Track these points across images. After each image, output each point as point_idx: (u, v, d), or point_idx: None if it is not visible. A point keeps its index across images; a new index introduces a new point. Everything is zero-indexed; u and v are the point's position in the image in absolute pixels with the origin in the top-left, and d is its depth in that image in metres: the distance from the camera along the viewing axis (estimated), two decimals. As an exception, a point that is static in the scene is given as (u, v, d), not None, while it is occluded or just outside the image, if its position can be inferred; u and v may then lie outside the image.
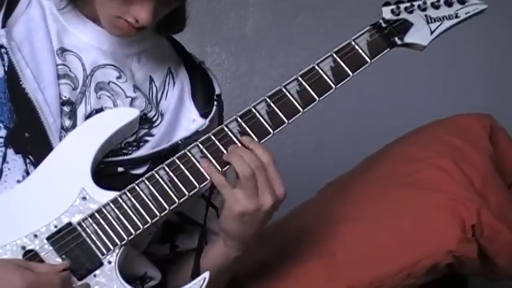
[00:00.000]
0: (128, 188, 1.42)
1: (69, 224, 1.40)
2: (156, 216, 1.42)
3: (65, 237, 1.39)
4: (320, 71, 1.48)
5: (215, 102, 1.55)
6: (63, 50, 1.48)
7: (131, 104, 1.50)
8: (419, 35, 1.52)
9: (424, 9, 1.53)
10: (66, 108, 1.46)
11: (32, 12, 1.48)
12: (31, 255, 1.38)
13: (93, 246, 1.39)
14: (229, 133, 1.46)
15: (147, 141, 1.50)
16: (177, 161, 1.44)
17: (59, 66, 1.46)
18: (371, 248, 1.69)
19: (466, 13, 1.52)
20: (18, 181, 1.42)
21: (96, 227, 1.40)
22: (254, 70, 2.61)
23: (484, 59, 2.65)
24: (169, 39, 1.60)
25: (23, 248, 1.38)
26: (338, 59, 1.49)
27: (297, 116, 1.47)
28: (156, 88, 1.54)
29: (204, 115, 1.54)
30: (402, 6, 1.52)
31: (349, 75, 1.49)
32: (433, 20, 1.52)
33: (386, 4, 1.53)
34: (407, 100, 2.60)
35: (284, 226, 1.83)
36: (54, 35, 1.47)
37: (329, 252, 1.69)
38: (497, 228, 1.67)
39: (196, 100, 1.55)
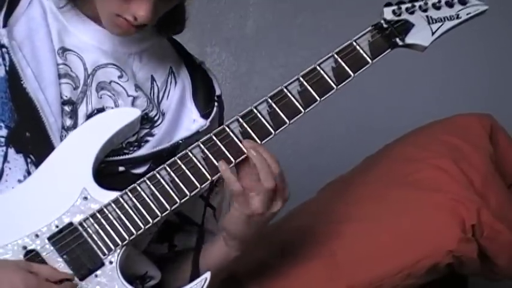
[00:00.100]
0: (129, 188, 1.42)
1: (71, 224, 1.40)
2: (158, 216, 1.42)
3: (66, 237, 1.39)
4: (321, 71, 1.48)
5: (216, 103, 1.56)
6: (64, 50, 1.48)
7: (133, 103, 1.50)
8: (420, 35, 1.52)
9: (425, 10, 1.53)
10: (67, 108, 1.46)
11: (33, 12, 1.48)
12: (32, 255, 1.38)
13: (94, 246, 1.39)
14: (231, 133, 1.46)
15: (148, 141, 1.50)
16: (179, 161, 1.44)
17: (60, 66, 1.46)
18: (371, 248, 1.69)
19: (467, 14, 1.52)
20: (19, 181, 1.42)
21: (97, 227, 1.40)
22: (254, 70, 2.61)
23: (483, 59, 2.65)
24: (170, 40, 1.60)
25: (24, 247, 1.38)
26: (339, 60, 1.49)
27: (298, 116, 1.47)
28: (157, 87, 1.55)
29: (204, 116, 1.54)
30: (403, 7, 1.52)
31: (350, 75, 1.49)
32: (434, 21, 1.52)
33: (388, 5, 1.53)
34: (407, 100, 2.60)
35: (284, 226, 1.83)
36: (55, 34, 1.47)
37: (329, 252, 1.69)
38: (497, 228, 1.68)
39: (197, 100, 1.55)
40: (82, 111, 1.47)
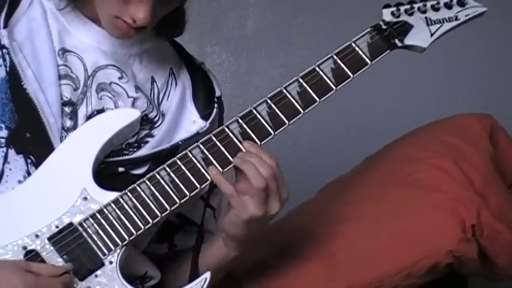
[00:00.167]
0: (129, 188, 1.42)
1: (71, 224, 1.40)
2: (157, 216, 1.42)
3: (66, 238, 1.39)
4: (321, 72, 1.49)
5: (215, 105, 1.56)
6: (64, 51, 1.48)
7: (133, 105, 1.50)
8: (419, 37, 1.52)
9: (424, 12, 1.53)
10: (67, 109, 1.46)
11: (34, 12, 1.48)
12: (32, 255, 1.38)
13: (94, 246, 1.40)
14: (230, 134, 1.46)
15: (147, 141, 1.50)
16: (178, 162, 1.44)
17: (60, 67, 1.47)
18: (371, 248, 1.69)
19: (465, 15, 1.53)
20: (20, 181, 1.42)
21: (97, 227, 1.40)
22: (254, 70, 2.61)
23: (483, 59, 2.65)
24: (170, 41, 1.60)
25: (24, 248, 1.38)
26: (338, 61, 1.49)
27: (297, 117, 1.47)
28: (157, 89, 1.55)
29: (204, 117, 1.54)
30: (402, 8, 1.53)
31: (349, 76, 1.49)
32: (433, 22, 1.53)
33: (387, 6, 1.53)
34: (407, 101, 2.60)
35: (284, 226, 1.83)
36: (56, 35, 1.48)
37: (329, 253, 1.69)
38: (497, 228, 1.68)
39: (197, 102, 1.56)
40: (82, 112, 1.47)
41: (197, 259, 1.53)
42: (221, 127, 1.46)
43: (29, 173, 1.43)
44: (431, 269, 1.65)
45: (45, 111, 1.43)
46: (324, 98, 1.48)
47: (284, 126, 1.47)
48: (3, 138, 1.42)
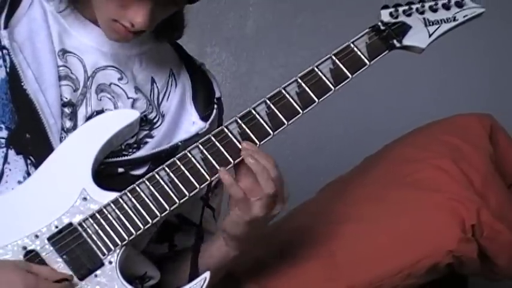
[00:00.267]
0: (128, 188, 1.42)
1: (70, 224, 1.40)
2: (157, 216, 1.42)
3: (65, 238, 1.39)
4: (319, 72, 1.49)
5: (215, 106, 1.56)
6: (64, 52, 1.48)
7: (132, 106, 1.50)
8: (417, 37, 1.52)
9: (422, 12, 1.53)
10: (67, 110, 1.46)
11: (34, 13, 1.48)
12: (32, 255, 1.38)
13: (94, 246, 1.40)
14: (229, 134, 1.46)
15: (147, 142, 1.50)
16: (178, 162, 1.44)
17: (60, 68, 1.47)
18: (371, 248, 1.69)
19: (464, 16, 1.53)
20: (19, 182, 1.43)
21: (97, 227, 1.40)
22: (254, 70, 2.61)
23: (483, 59, 2.64)
24: (170, 42, 1.60)
25: (24, 248, 1.38)
26: (337, 61, 1.49)
27: (296, 117, 1.48)
28: (157, 89, 1.55)
29: (204, 118, 1.54)
30: (400, 9, 1.53)
31: (348, 77, 1.49)
32: (431, 23, 1.53)
33: (385, 7, 1.53)
34: (406, 101, 2.60)
35: (283, 226, 1.83)
36: (56, 36, 1.48)
37: (329, 253, 1.69)
38: (497, 228, 1.68)
39: (196, 103, 1.56)
40: (82, 113, 1.47)
41: (197, 259, 1.54)
42: (220, 127, 1.46)
43: (28, 174, 1.43)
44: (431, 269, 1.65)
45: (45, 112, 1.43)
46: (322, 98, 1.49)
47: (283, 127, 1.47)
48: (3, 138, 1.43)
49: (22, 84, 1.43)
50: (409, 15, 1.53)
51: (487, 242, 1.67)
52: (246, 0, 2.60)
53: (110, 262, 1.40)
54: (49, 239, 1.39)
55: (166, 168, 1.44)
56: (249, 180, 1.44)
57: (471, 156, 1.80)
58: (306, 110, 1.48)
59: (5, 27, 1.44)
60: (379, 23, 1.53)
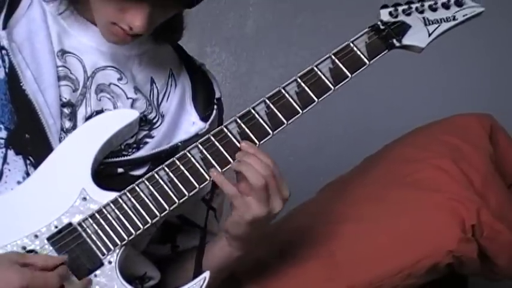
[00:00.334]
0: (128, 188, 1.42)
1: (70, 224, 1.40)
2: (156, 216, 1.42)
3: (65, 238, 1.39)
4: (319, 72, 1.49)
5: (215, 106, 1.56)
6: (63, 52, 1.48)
7: (132, 106, 1.50)
8: (417, 37, 1.52)
9: (421, 12, 1.53)
10: (66, 110, 1.46)
11: (33, 13, 1.48)
12: (32, 255, 1.38)
13: (93, 246, 1.40)
14: (229, 134, 1.46)
15: (146, 142, 1.50)
16: (177, 162, 1.44)
17: (59, 68, 1.47)
18: (371, 248, 1.69)
19: (463, 15, 1.53)
20: (19, 182, 1.42)
21: (96, 227, 1.40)
22: (254, 70, 2.61)
23: (484, 59, 2.64)
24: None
25: (24, 248, 1.38)
26: (337, 61, 1.49)
27: (296, 117, 1.48)
28: (157, 90, 1.55)
29: (204, 118, 1.54)
30: (400, 8, 1.53)
31: (347, 76, 1.49)
32: (430, 22, 1.53)
33: (384, 6, 1.53)
34: (406, 101, 2.60)
35: (283, 226, 1.83)
36: (55, 36, 1.48)
37: (329, 253, 1.69)
38: (497, 228, 1.67)
39: (196, 103, 1.56)
40: (81, 113, 1.47)
41: (201, 259, 1.53)
42: (220, 127, 1.47)
43: (28, 174, 1.43)
44: (431, 269, 1.65)
45: (44, 112, 1.43)
46: (322, 98, 1.49)
47: (282, 126, 1.47)
48: (2, 139, 1.42)
49: (21, 84, 1.43)
50: (408, 14, 1.53)
51: (487, 242, 1.67)
52: (246, 0, 2.60)
53: (110, 262, 1.40)
54: (48, 239, 1.39)
55: (166, 168, 1.44)
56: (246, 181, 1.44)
57: (471, 156, 1.79)
58: (305, 110, 1.48)
59: (4, 27, 1.44)
60: (379, 23, 1.53)
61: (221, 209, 1.65)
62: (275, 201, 1.44)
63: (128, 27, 1.40)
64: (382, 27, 1.52)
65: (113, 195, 1.42)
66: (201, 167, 1.44)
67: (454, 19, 1.53)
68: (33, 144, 1.43)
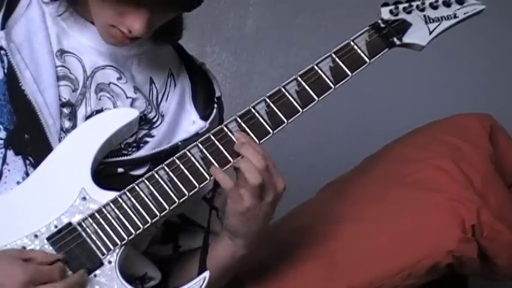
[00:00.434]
0: (127, 188, 1.42)
1: (69, 224, 1.40)
2: (156, 216, 1.42)
3: (65, 237, 1.39)
4: (319, 71, 1.49)
5: (215, 105, 1.56)
6: (62, 52, 1.48)
7: (132, 105, 1.50)
8: (417, 35, 1.52)
9: (422, 10, 1.53)
10: (65, 110, 1.46)
11: (32, 14, 1.48)
12: (31, 255, 1.38)
13: (93, 246, 1.40)
14: (229, 133, 1.46)
15: (147, 142, 1.50)
16: (177, 161, 1.44)
17: (59, 68, 1.47)
18: (371, 248, 1.69)
19: (464, 13, 1.53)
20: (18, 182, 1.42)
21: (96, 227, 1.40)
22: (254, 70, 2.61)
23: (483, 59, 2.65)
24: (170, 42, 1.60)
25: (24, 248, 1.38)
26: (337, 59, 1.49)
27: (296, 115, 1.48)
28: (156, 90, 1.55)
29: (204, 117, 1.54)
30: (401, 6, 1.53)
31: (348, 75, 1.49)
32: (431, 20, 1.53)
33: (385, 5, 1.53)
34: (406, 100, 2.60)
35: (283, 226, 1.84)
36: (54, 37, 1.47)
37: (328, 253, 1.69)
38: (497, 228, 1.67)
39: (196, 102, 1.56)
40: (81, 113, 1.47)
41: (205, 258, 1.53)
42: (220, 126, 1.47)
43: (27, 174, 1.43)
44: (431, 269, 1.65)
45: (43, 112, 1.43)
46: (322, 97, 1.49)
47: (283, 125, 1.47)
48: (1, 139, 1.42)
49: (20, 84, 1.43)
50: (409, 12, 1.53)
51: (487, 242, 1.67)
52: (246, 0, 2.60)
53: (110, 262, 1.40)
54: (48, 238, 1.39)
55: (166, 168, 1.44)
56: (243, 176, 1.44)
57: (471, 156, 1.79)
58: (305, 109, 1.48)
59: (2, 27, 1.44)
60: (379, 21, 1.53)
61: (224, 208, 1.65)
62: (268, 194, 1.44)
63: (127, 30, 1.40)
64: (382, 25, 1.52)
65: (112, 194, 1.42)
66: (201, 166, 1.44)
67: (455, 17, 1.53)
68: (32, 145, 1.43)
